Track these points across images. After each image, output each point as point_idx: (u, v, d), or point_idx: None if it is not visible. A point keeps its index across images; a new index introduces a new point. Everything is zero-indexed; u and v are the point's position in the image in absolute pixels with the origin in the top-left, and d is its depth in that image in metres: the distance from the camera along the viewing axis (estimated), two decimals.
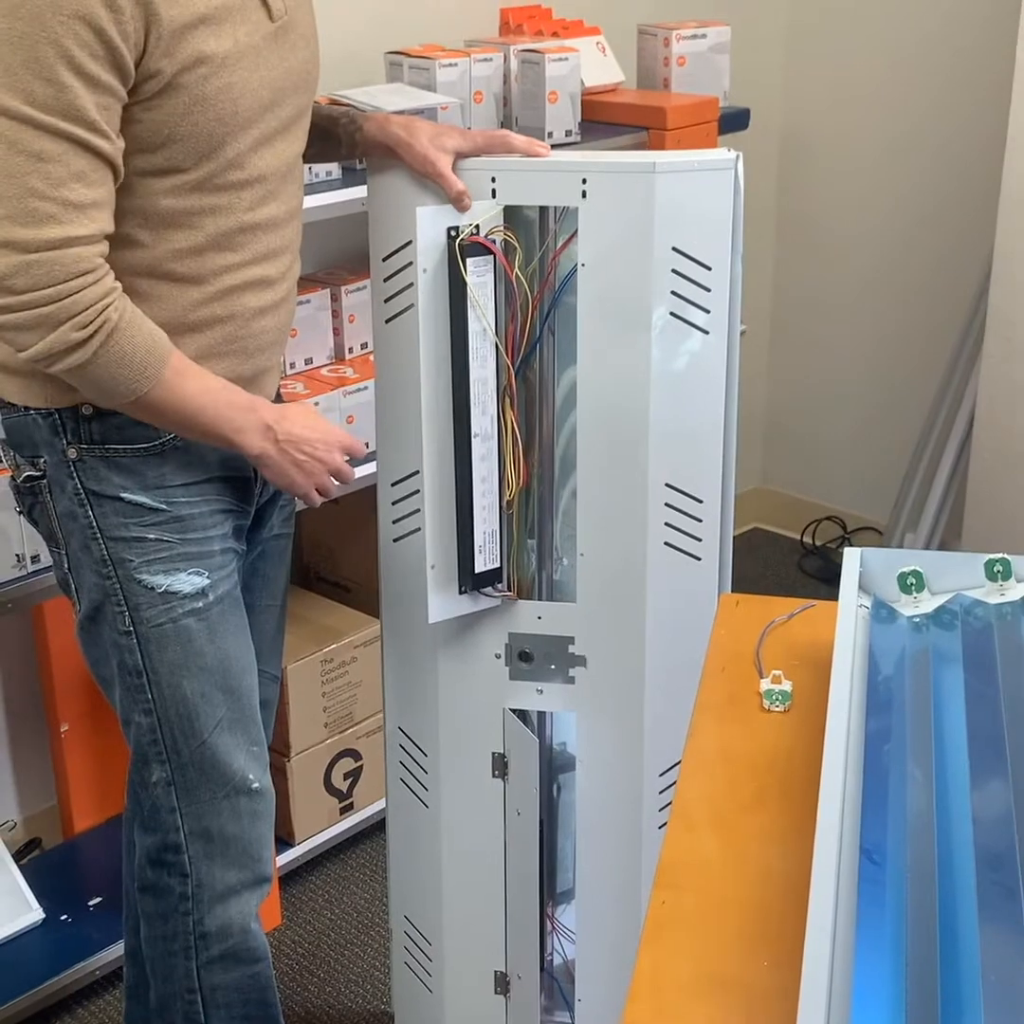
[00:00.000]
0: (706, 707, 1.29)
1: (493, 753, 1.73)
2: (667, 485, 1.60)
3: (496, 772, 1.74)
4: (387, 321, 1.61)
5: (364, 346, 2.29)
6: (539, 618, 1.67)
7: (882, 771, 1.06)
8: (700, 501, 1.61)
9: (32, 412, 1.45)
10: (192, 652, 1.49)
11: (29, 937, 2.05)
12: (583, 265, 1.54)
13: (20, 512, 1.57)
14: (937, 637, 1.26)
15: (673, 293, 1.54)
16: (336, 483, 1.53)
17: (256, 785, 1.56)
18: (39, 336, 1.32)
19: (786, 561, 3.45)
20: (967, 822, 0.99)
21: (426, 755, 1.76)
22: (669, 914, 1.03)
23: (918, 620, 1.30)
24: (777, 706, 1.27)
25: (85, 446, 1.45)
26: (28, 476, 1.49)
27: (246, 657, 1.56)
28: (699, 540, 1.62)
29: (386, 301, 1.60)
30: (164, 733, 1.51)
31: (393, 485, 1.67)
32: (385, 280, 1.60)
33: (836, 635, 1.20)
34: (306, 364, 2.23)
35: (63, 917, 2.11)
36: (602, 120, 2.40)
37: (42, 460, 1.47)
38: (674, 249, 1.53)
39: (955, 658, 1.21)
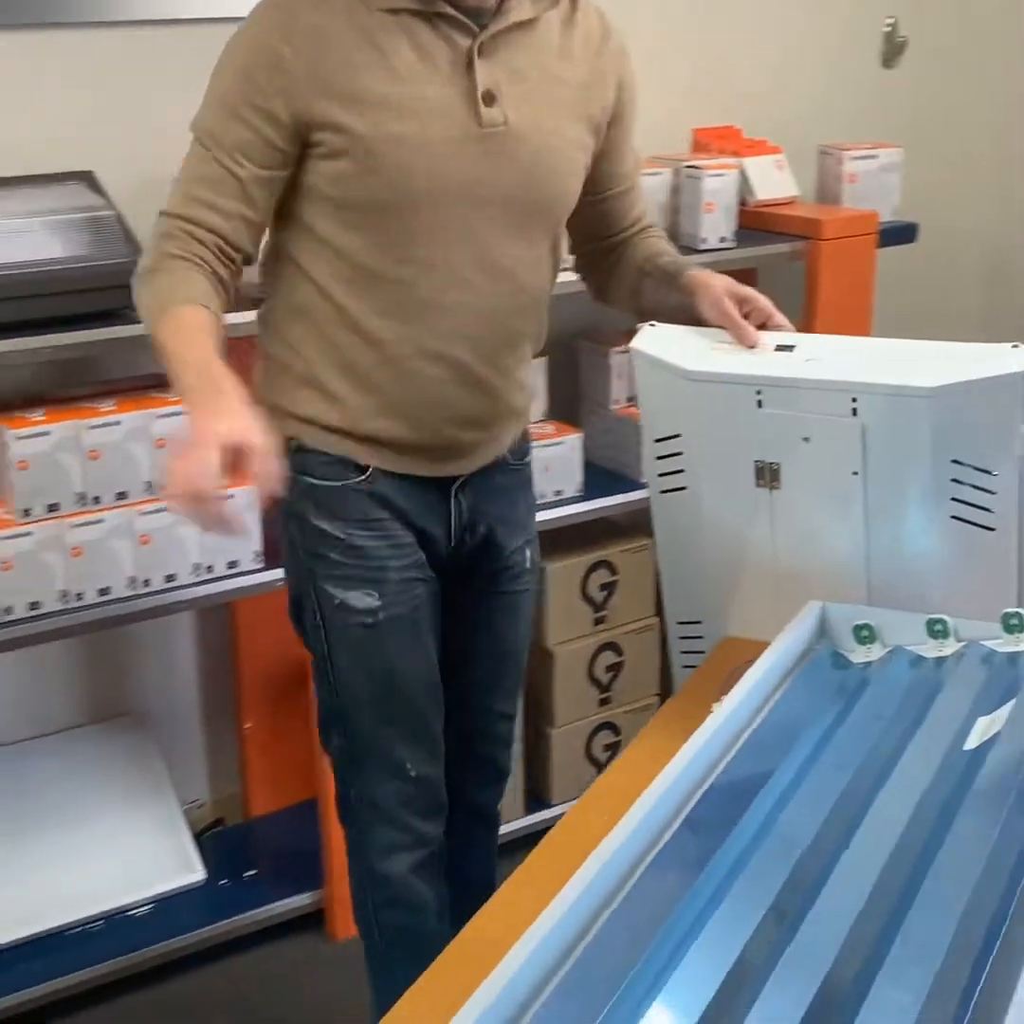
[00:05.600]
0: (661, 718, 1.51)
1: None
2: None
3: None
4: (662, 492, 1.69)
5: None
6: None
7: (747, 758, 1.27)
8: None
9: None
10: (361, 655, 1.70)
11: (191, 894, 2.40)
12: (854, 473, 1.50)
13: None
14: (873, 676, 1.44)
15: (954, 499, 1.49)
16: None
17: (414, 773, 1.74)
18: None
19: None
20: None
21: None
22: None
23: (862, 665, 1.48)
24: None
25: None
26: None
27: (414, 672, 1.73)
28: None
29: (660, 476, 1.67)
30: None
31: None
32: (658, 458, 1.66)
33: (759, 659, 1.40)
34: None
35: (222, 882, 2.45)
36: (767, 229, 2.64)
37: None
38: (954, 461, 1.47)
39: (865, 691, 1.40)
